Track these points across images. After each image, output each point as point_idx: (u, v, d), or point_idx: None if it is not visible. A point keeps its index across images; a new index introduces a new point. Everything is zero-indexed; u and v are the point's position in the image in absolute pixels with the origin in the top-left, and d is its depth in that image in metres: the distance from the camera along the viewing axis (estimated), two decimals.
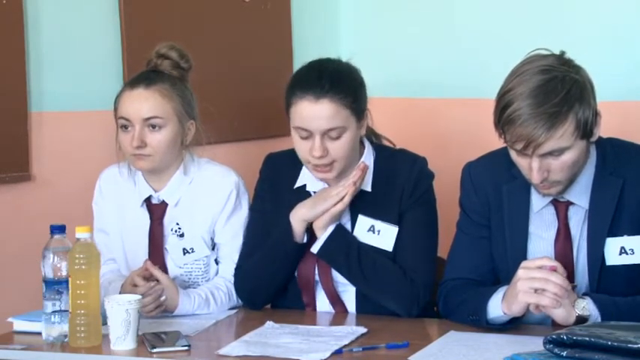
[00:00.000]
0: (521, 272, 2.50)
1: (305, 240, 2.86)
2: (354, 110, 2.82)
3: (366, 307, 2.87)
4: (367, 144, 2.94)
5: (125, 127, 2.93)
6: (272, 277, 2.91)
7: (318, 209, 2.82)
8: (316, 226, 2.84)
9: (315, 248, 2.84)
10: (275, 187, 2.97)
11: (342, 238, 2.84)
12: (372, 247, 2.85)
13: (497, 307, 2.56)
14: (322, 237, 2.82)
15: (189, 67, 3.04)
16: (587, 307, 2.49)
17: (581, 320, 2.48)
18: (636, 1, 3.73)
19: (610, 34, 3.75)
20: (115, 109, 2.97)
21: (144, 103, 2.92)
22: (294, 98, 2.81)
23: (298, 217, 2.84)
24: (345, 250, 2.83)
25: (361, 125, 2.87)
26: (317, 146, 2.79)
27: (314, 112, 2.78)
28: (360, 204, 2.86)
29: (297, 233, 2.85)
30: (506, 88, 2.53)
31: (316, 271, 2.89)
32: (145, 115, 2.91)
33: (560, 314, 2.48)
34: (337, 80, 2.81)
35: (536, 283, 2.46)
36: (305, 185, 2.94)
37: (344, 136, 2.81)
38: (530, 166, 2.53)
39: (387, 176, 2.89)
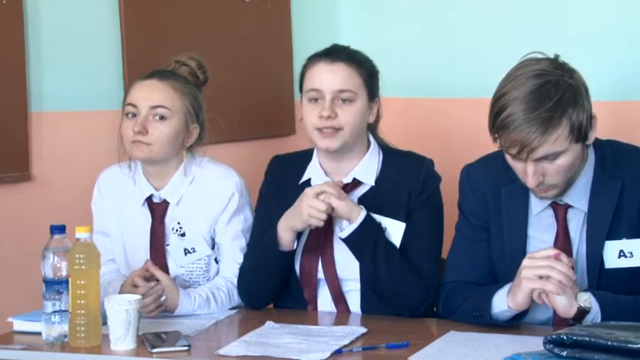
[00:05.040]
0: (526, 262, 2.50)
1: (295, 246, 2.84)
2: (366, 84, 2.84)
3: (371, 307, 2.86)
4: (373, 141, 2.94)
5: (131, 114, 2.93)
6: (265, 280, 2.91)
7: (298, 221, 2.78)
8: (280, 228, 2.82)
9: (344, 234, 2.80)
10: (280, 188, 2.96)
11: (372, 226, 2.80)
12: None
13: (502, 301, 2.56)
14: (354, 223, 2.77)
15: (205, 78, 3.06)
16: (588, 299, 2.49)
17: (581, 313, 2.49)
18: (635, 0, 3.73)
19: (609, 33, 3.75)
20: (124, 100, 2.97)
21: (154, 91, 2.93)
22: (309, 65, 2.87)
23: (283, 226, 2.82)
24: (374, 240, 2.79)
25: (371, 108, 2.88)
26: (327, 106, 2.80)
27: (328, 71, 2.82)
28: (366, 201, 2.86)
29: (284, 242, 2.83)
30: (500, 92, 2.53)
31: (319, 268, 2.88)
32: (152, 102, 2.91)
33: (562, 303, 2.48)
34: (353, 53, 2.88)
35: (540, 271, 2.47)
36: (310, 180, 2.93)
37: (354, 103, 2.82)
38: (526, 171, 2.53)
39: (394, 175, 2.89)
